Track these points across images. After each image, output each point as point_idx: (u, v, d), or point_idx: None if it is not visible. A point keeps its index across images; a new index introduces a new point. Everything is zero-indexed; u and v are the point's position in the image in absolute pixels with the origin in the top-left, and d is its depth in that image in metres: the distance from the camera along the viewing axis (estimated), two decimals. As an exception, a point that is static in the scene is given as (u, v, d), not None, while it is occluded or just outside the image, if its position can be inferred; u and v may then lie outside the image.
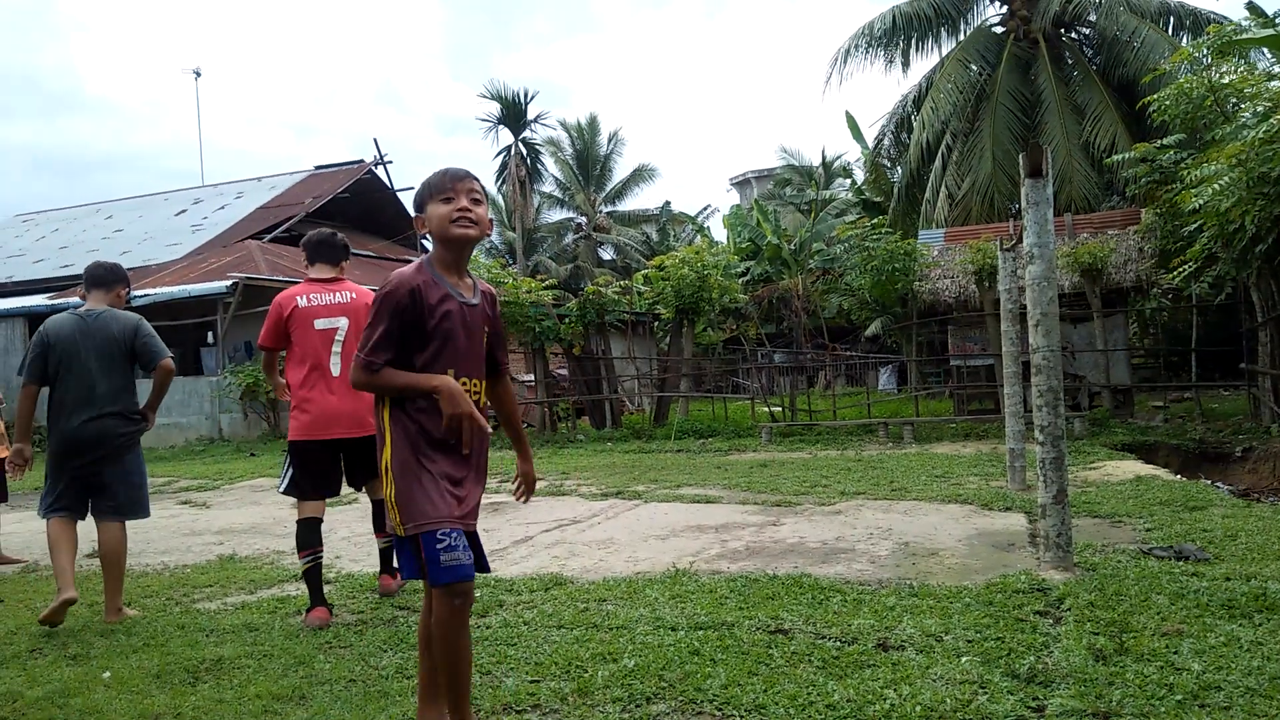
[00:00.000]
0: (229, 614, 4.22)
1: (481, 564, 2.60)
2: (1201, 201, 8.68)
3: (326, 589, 4.35)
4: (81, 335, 4.33)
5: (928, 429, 11.91)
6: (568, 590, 4.30)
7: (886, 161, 23.24)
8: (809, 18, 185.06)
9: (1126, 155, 12.82)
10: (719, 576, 4.43)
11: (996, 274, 7.71)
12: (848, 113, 28.26)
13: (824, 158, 32.24)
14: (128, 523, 4.40)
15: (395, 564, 4.31)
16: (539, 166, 32.53)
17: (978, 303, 13.22)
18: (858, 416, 13.34)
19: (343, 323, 4.31)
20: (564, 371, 15.70)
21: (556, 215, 36.57)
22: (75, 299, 12.88)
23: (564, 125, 34.99)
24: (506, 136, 30.60)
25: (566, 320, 14.21)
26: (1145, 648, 3.03)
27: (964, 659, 3.02)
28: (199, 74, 33.83)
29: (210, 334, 17.37)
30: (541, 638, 3.52)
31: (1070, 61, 19.19)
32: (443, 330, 2.51)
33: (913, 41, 20.25)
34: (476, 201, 2.58)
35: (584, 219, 35.54)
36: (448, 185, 2.57)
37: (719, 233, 33.04)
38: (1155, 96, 11.02)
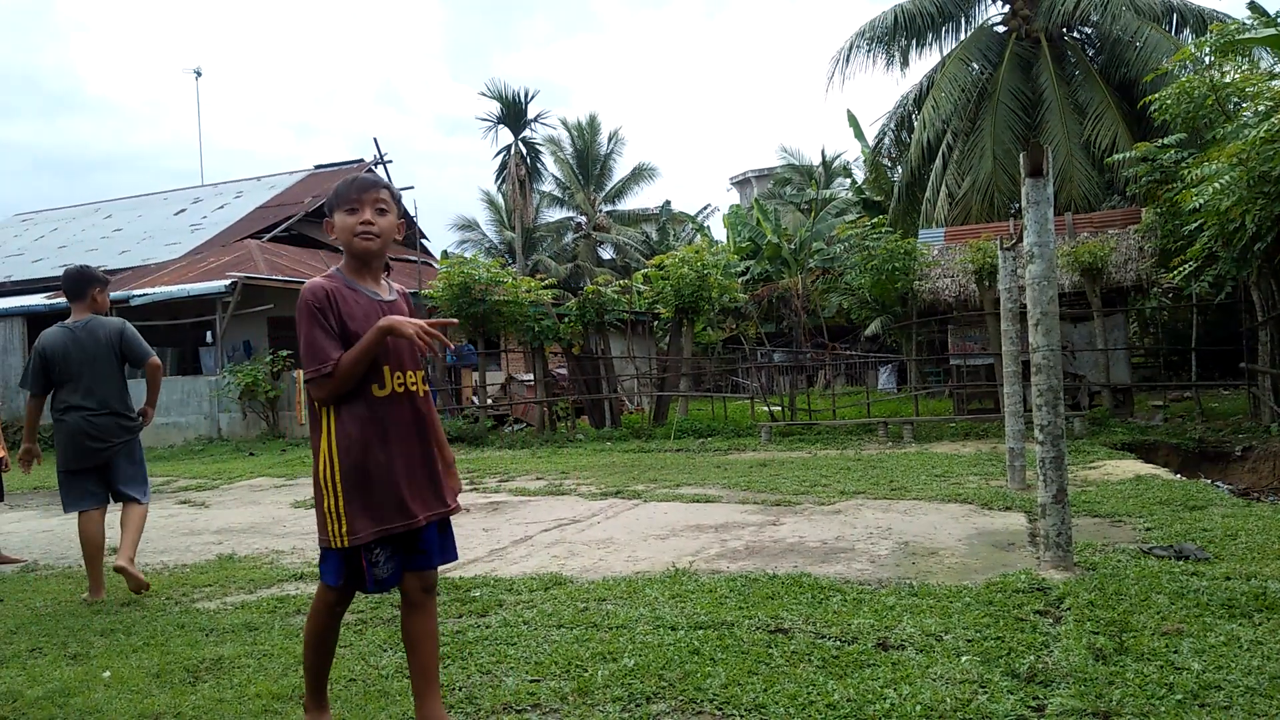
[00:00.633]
0: (229, 613, 4.23)
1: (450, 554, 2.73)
2: (1202, 201, 8.67)
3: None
4: (73, 346, 4.77)
5: (927, 428, 11.92)
6: (567, 590, 4.30)
7: (887, 160, 23.24)
8: (809, 18, 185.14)
9: (1127, 154, 12.80)
10: (719, 576, 4.44)
11: (996, 273, 7.72)
12: (849, 111, 28.16)
13: (824, 157, 32.30)
14: None
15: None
16: (539, 166, 32.60)
17: (978, 302, 13.22)
18: (857, 416, 13.34)
19: None
20: (563, 371, 15.69)
21: (556, 214, 36.59)
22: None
23: (564, 124, 35.11)
24: (506, 136, 30.71)
25: (566, 319, 14.20)
26: (1145, 647, 3.03)
27: (964, 658, 3.03)
28: (199, 74, 33.66)
29: (209, 333, 17.37)
30: (541, 637, 3.52)
31: (1072, 61, 19.17)
32: (365, 329, 2.52)
33: (914, 40, 20.24)
34: (382, 212, 2.61)
35: (584, 218, 35.53)
36: (353, 196, 2.59)
37: (719, 232, 33.14)
38: (1156, 96, 11.00)
